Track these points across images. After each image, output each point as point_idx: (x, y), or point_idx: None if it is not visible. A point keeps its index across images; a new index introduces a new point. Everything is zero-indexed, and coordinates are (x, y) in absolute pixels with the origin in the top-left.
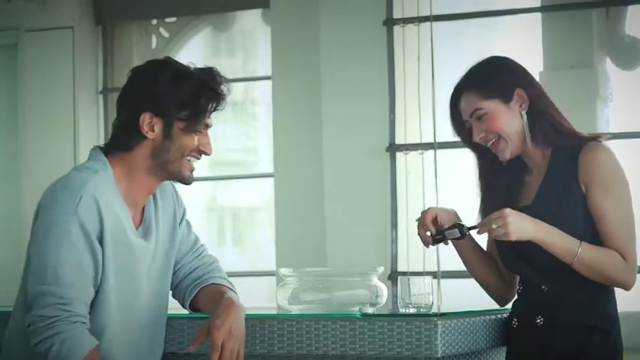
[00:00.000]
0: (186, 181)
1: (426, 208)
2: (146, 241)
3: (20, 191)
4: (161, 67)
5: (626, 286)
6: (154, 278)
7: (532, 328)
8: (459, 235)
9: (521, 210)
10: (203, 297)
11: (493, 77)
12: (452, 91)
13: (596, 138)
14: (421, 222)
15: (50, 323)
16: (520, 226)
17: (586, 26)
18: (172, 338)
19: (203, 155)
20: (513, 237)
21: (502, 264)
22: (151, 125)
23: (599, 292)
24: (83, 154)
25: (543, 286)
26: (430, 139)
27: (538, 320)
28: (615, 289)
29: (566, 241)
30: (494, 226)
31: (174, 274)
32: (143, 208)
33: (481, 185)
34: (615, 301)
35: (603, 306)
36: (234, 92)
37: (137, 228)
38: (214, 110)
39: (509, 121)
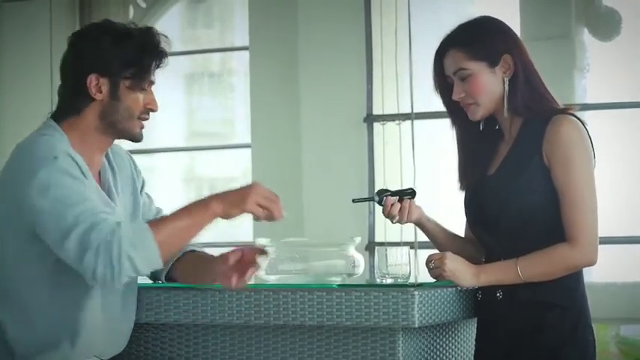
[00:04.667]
0: (137, 139)
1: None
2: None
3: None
4: (102, 29)
5: (585, 266)
6: None
7: (493, 302)
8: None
9: (483, 179)
10: (185, 267)
11: (483, 39)
12: (439, 43)
13: (566, 110)
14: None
15: (105, 248)
16: (456, 270)
17: None
18: (149, 309)
19: (152, 114)
20: (447, 277)
21: (472, 234)
22: (98, 86)
23: None
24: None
25: (502, 259)
26: (407, 110)
27: (498, 294)
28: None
29: (505, 270)
30: (430, 265)
31: None
32: (99, 174)
33: (458, 152)
34: (578, 277)
35: (561, 281)
36: (211, 63)
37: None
38: (157, 67)
39: (491, 86)
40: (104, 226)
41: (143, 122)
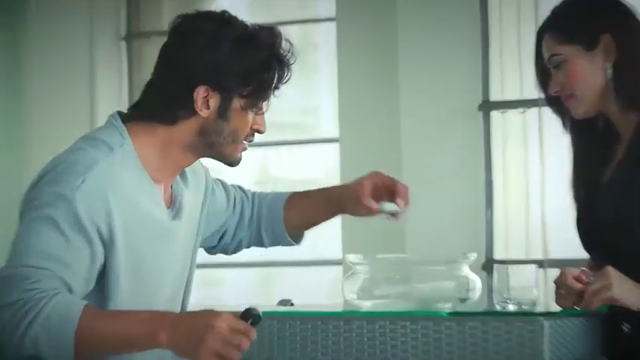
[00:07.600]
0: (234, 164)
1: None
2: (177, 220)
3: (26, 155)
4: (222, 29)
5: None
6: (180, 261)
7: (619, 336)
8: None
9: (596, 188)
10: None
11: (575, 18)
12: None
13: None
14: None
15: (18, 309)
16: (621, 283)
17: None
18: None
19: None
20: (615, 293)
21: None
22: (206, 101)
23: None
24: (102, 116)
25: None
26: (533, 95)
27: (625, 328)
28: None
29: None
30: (592, 278)
31: (224, 234)
32: (171, 186)
33: (572, 158)
34: None
35: None
36: (289, 37)
37: (168, 208)
38: (278, 84)
39: (589, 73)
40: (38, 295)
41: (246, 144)
